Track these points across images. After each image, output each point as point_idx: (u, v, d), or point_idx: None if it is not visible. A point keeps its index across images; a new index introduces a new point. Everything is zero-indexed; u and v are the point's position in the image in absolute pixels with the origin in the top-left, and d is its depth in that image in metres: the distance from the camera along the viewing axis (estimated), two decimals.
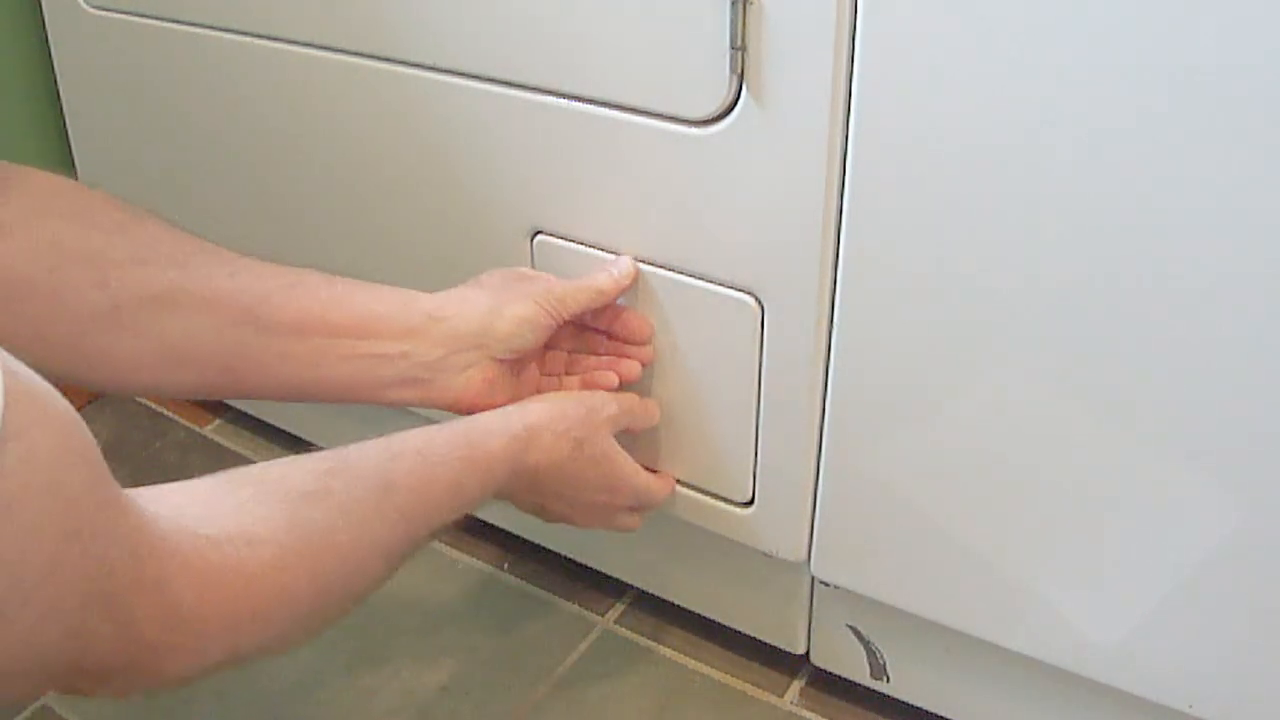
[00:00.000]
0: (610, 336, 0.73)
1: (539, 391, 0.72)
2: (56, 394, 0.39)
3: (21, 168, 0.61)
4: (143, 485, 0.48)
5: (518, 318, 0.67)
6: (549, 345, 0.71)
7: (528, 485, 0.66)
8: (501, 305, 0.67)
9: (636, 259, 0.72)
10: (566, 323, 0.70)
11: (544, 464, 0.65)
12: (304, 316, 0.63)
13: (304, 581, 0.50)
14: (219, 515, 0.48)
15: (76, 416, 0.40)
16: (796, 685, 0.85)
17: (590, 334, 0.74)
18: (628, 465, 0.71)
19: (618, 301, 0.72)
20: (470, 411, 0.67)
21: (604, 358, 0.73)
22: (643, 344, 0.72)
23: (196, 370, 0.62)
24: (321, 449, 0.58)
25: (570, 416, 0.67)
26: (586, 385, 0.72)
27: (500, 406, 0.67)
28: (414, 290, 0.67)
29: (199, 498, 0.49)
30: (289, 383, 0.64)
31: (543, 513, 0.71)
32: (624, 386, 0.72)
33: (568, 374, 0.73)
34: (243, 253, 0.66)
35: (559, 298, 0.68)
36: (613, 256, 0.72)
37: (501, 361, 0.68)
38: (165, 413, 1.16)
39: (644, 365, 0.72)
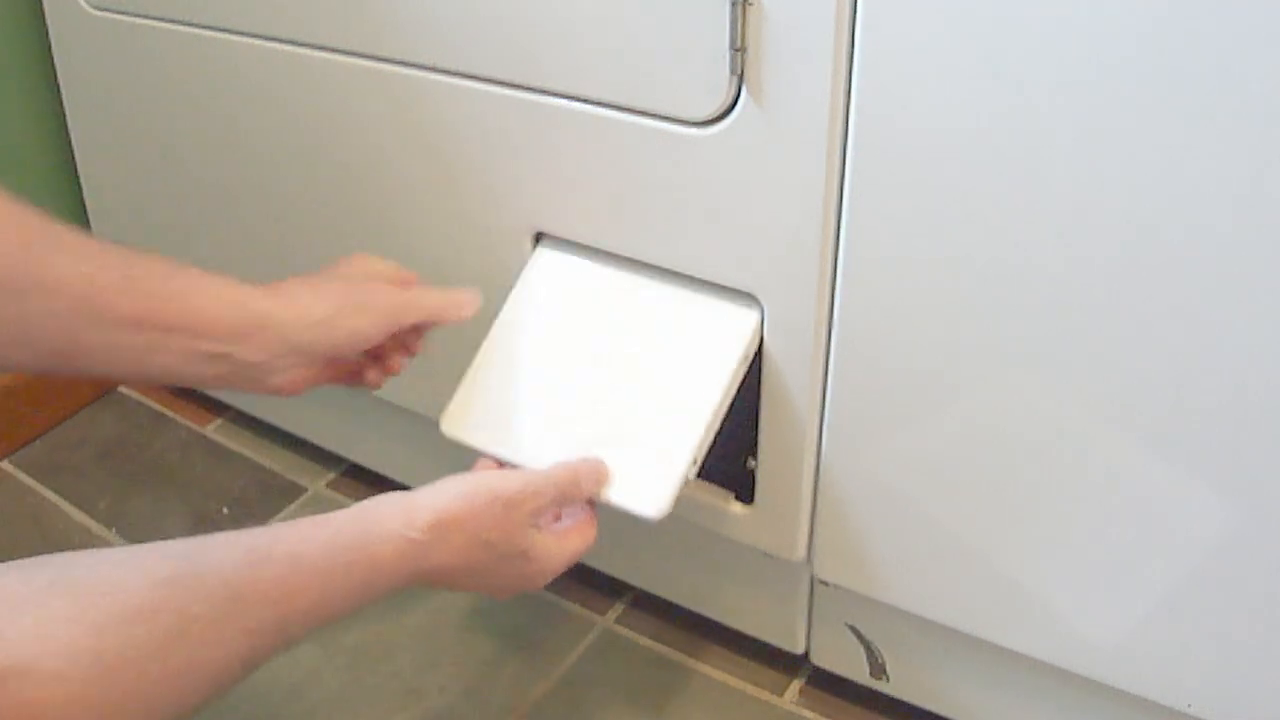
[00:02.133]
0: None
1: (364, 376, 0.73)
2: None
3: None
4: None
5: (351, 330, 0.67)
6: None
7: (430, 582, 0.63)
8: (337, 316, 0.66)
9: (636, 259, 0.72)
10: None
11: (450, 565, 0.61)
12: (139, 311, 0.62)
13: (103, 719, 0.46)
14: (12, 633, 0.44)
15: None
16: (796, 685, 0.85)
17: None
18: (547, 558, 0.66)
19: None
20: (291, 395, 0.68)
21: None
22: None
23: (31, 352, 0.61)
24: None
25: (485, 516, 0.62)
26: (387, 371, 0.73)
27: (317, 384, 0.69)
28: (255, 288, 0.66)
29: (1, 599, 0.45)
30: (120, 370, 0.64)
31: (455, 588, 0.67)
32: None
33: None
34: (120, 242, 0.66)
35: (398, 309, 0.68)
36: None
37: (330, 358, 0.69)
38: (166, 413, 1.16)
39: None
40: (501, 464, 0.71)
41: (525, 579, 0.66)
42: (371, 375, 0.73)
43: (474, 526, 0.62)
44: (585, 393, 0.73)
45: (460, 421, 0.74)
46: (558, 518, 0.69)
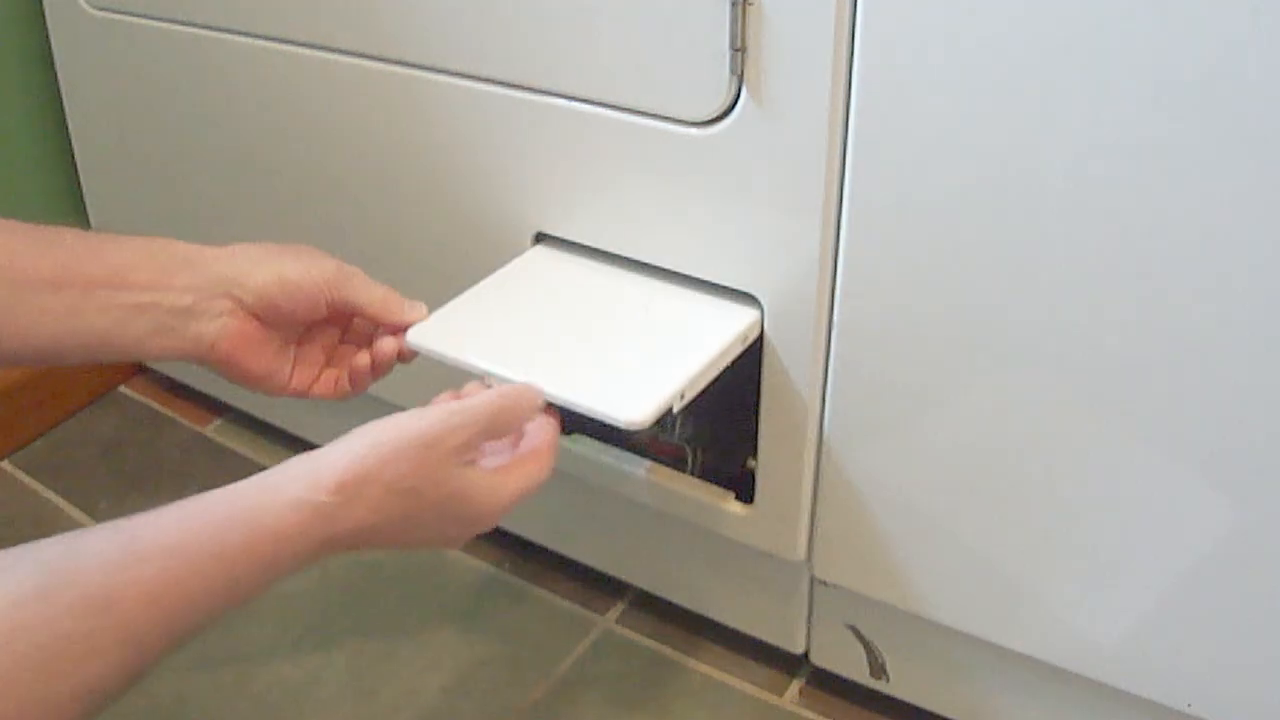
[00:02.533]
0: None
1: (318, 375, 0.68)
2: None
3: None
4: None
5: (278, 274, 0.63)
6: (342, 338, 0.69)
7: (354, 545, 0.55)
8: (267, 257, 0.64)
9: (636, 259, 0.72)
10: (338, 310, 0.66)
11: (371, 524, 0.54)
12: (59, 270, 0.60)
13: None
14: None
15: None
16: (796, 684, 0.85)
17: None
18: (489, 496, 0.58)
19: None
20: (229, 363, 0.64)
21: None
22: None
23: None
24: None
25: (403, 461, 0.55)
26: (354, 374, 0.68)
27: (268, 371, 0.65)
28: (181, 241, 0.65)
29: None
30: (48, 340, 0.60)
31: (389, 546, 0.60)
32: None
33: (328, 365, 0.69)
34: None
35: (335, 278, 0.65)
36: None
37: (264, 322, 0.64)
38: (166, 413, 1.16)
39: (401, 354, 0.67)
40: (460, 395, 0.63)
41: (467, 522, 0.59)
42: (323, 379, 0.68)
43: (389, 475, 0.54)
44: (575, 331, 0.69)
45: (431, 333, 0.67)
46: (517, 444, 0.63)
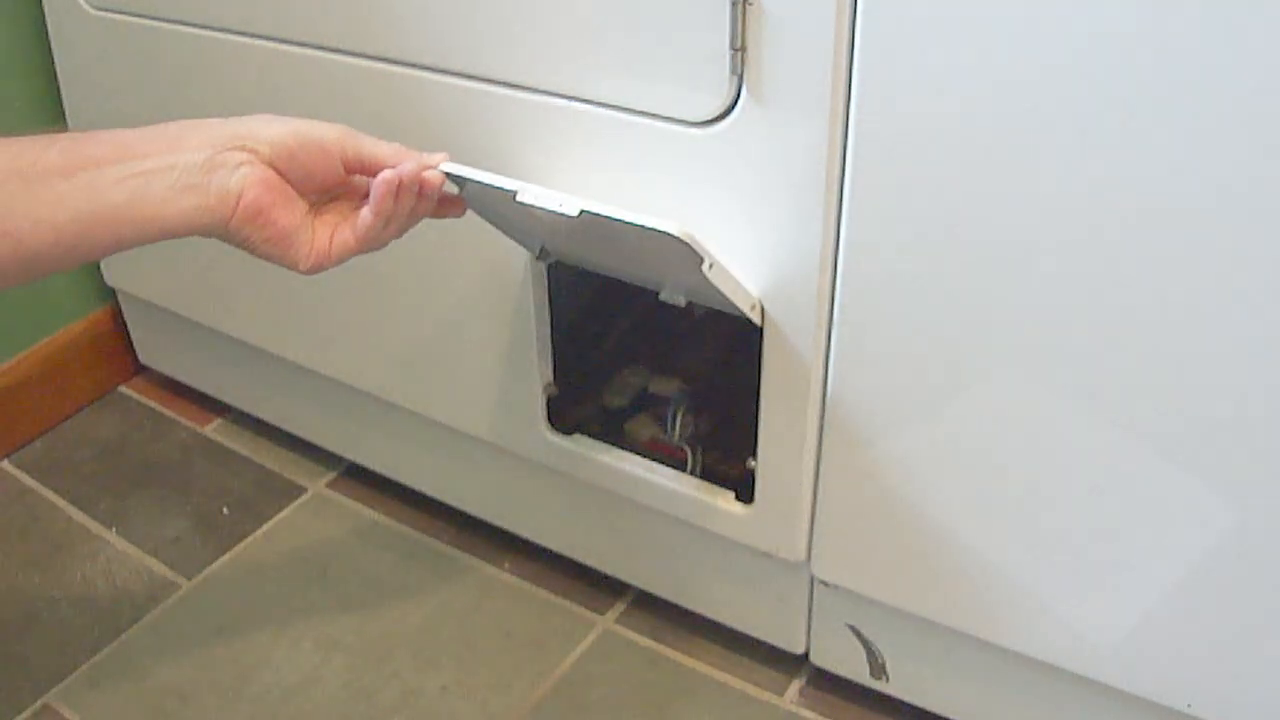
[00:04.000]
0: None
1: (336, 235, 0.66)
2: None
3: None
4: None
5: (291, 128, 0.64)
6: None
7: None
8: (279, 119, 0.64)
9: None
10: (354, 168, 0.66)
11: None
12: (67, 158, 0.60)
13: None
14: None
15: None
16: (796, 685, 0.85)
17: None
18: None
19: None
20: (257, 217, 0.63)
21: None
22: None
23: None
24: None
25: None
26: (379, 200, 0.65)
27: (297, 225, 0.64)
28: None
29: None
30: (69, 226, 0.60)
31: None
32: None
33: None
34: None
35: (346, 131, 0.65)
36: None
37: (283, 174, 0.63)
38: (167, 413, 1.16)
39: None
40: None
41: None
42: (348, 225, 0.66)
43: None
44: None
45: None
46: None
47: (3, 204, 0.58)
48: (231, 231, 0.63)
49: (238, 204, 0.62)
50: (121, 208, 0.60)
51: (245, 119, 0.64)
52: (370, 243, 0.66)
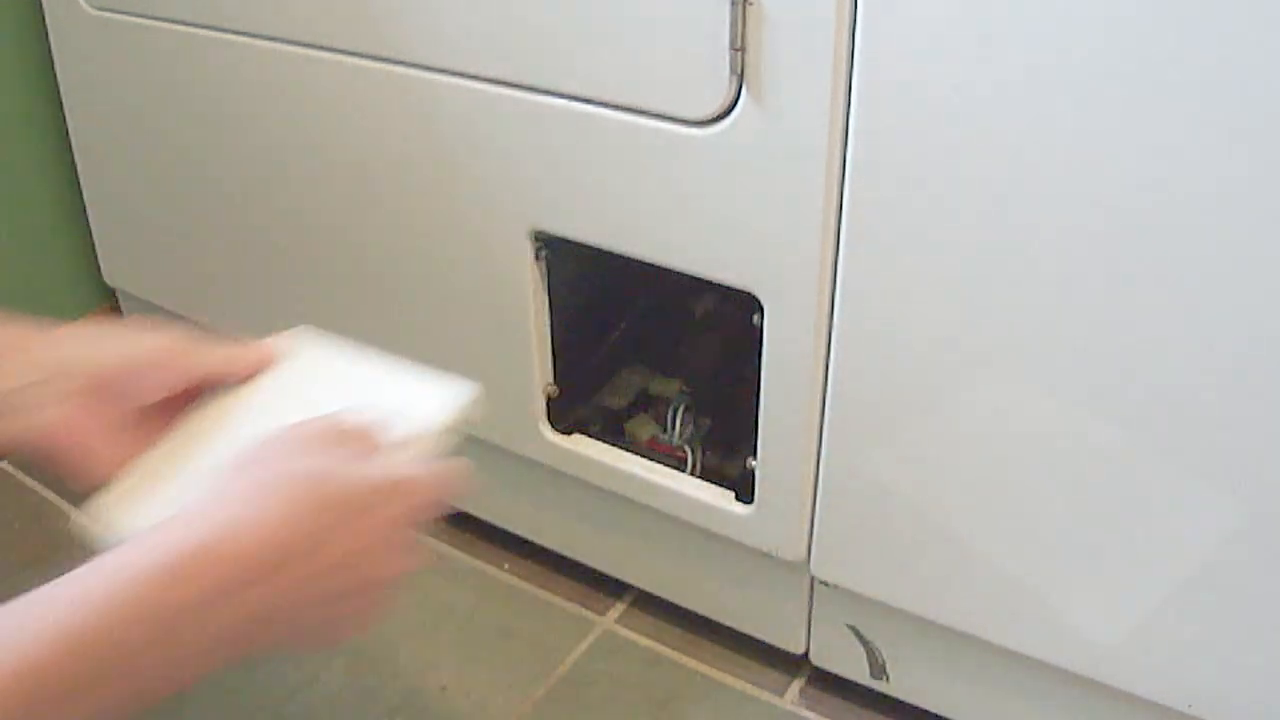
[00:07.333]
0: None
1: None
2: None
3: None
4: None
5: (119, 350, 0.57)
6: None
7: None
8: (106, 336, 0.58)
9: (636, 257, 0.72)
10: (189, 382, 0.59)
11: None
12: None
13: None
14: None
15: None
16: (796, 685, 0.85)
17: None
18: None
19: None
20: (69, 450, 0.57)
21: None
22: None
23: None
24: None
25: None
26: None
27: (95, 462, 0.57)
28: (25, 326, 0.58)
29: None
30: None
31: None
32: None
33: None
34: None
35: (181, 349, 0.58)
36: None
37: (102, 399, 0.57)
38: None
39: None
40: None
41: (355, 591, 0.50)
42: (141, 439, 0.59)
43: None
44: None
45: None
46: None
47: None
48: (29, 458, 0.57)
49: (49, 437, 0.56)
50: None
51: (69, 339, 0.58)
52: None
